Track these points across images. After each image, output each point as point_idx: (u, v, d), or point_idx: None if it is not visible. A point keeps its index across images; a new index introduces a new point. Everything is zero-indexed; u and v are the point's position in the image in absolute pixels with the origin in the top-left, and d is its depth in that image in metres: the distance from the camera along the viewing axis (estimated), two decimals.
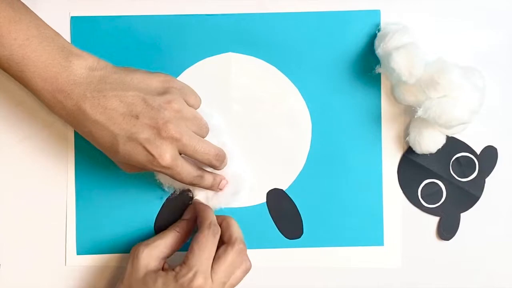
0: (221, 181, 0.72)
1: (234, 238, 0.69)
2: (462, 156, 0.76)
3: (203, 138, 0.68)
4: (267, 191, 0.76)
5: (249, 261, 0.70)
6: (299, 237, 0.76)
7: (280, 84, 0.75)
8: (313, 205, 0.76)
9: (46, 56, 0.64)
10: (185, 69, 0.74)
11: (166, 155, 0.64)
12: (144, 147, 0.64)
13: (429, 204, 0.76)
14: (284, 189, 0.76)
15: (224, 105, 0.75)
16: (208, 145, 0.68)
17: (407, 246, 0.76)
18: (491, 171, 0.77)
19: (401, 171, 0.76)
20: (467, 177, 0.76)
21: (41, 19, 0.66)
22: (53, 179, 0.75)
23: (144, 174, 0.74)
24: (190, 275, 0.65)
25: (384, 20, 0.75)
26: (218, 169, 0.70)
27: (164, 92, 0.66)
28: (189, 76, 0.74)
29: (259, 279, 0.75)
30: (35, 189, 0.75)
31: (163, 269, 0.69)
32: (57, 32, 0.66)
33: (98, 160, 0.74)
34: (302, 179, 0.76)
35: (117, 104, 0.64)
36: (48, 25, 0.66)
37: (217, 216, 0.72)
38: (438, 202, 0.76)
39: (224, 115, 0.75)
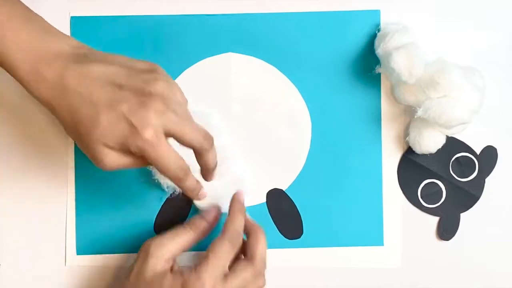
0: (201, 189, 0.68)
1: (259, 258, 0.67)
2: (462, 156, 0.76)
3: None
4: (267, 191, 0.76)
5: (264, 280, 0.68)
6: (299, 237, 0.76)
7: (280, 84, 0.75)
8: (313, 205, 0.76)
9: (28, 34, 0.61)
10: (185, 69, 0.74)
11: (149, 127, 0.58)
12: (126, 118, 0.58)
13: (429, 204, 0.76)
14: (284, 189, 0.76)
15: (224, 105, 0.75)
16: (197, 125, 0.62)
17: (407, 246, 0.76)
18: (491, 171, 0.77)
19: (401, 171, 0.76)
20: (467, 177, 0.76)
21: (25, 4, 0.63)
22: (53, 179, 0.75)
23: (144, 174, 0.74)
24: (198, 285, 0.63)
25: (384, 20, 0.75)
26: (207, 156, 0.64)
27: (150, 72, 0.62)
28: (189, 76, 0.74)
29: None
30: (35, 189, 0.75)
31: (171, 269, 0.67)
32: (42, 17, 0.63)
33: None
34: (302, 179, 0.76)
35: (101, 74, 0.60)
36: (32, 11, 0.63)
37: (247, 223, 0.69)
38: (438, 202, 0.76)
39: (224, 115, 0.75)
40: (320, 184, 0.76)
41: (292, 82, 0.75)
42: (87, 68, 0.60)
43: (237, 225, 0.67)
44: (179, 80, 0.74)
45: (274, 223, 0.76)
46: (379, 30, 0.74)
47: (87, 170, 0.75)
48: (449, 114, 0.69)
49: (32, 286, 0.75)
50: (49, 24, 0.63)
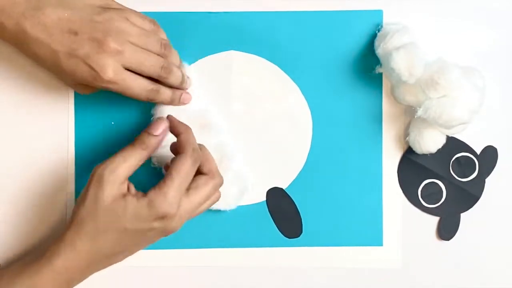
0: (181, 94, 0.71)
1: (215, 171, 0.69)
2: (462, 156, 0.76)
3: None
4: (267, 189, 0.76)
5: (219, 192, 0.70)
6: (298, 236, 0.76)
7: (281, 83, 0.75)
8: (313, 204, 0.76)
9: None
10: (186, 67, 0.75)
11: (108, 68, 0.64)
12: (86, 63, 0.64)
13: (429, 204, 0.76)
14: (284, 188, 0.76)
15: (225, 103, 0.75)
16: (154, 57, 0.67)
17: (407, 246, 0.76)
18: (491, 171, 0.77)
19: (401, 171, 0.76)
20: (467, 177, 0.76)
21: None
22: (53, 177, 0.75)
23: (143, 171, 0.74)
24: (165, 204, 0.64)
25: (384, 20, 0.75)
26: (167, 81, 0.68)
27: (103, 11, 0.66)
28: (190, 74, 0.74)
29: (257, 278, 0.75)
30: (34, 187, 0.75)
31: (128, 190, 0.66)
32: None
33: (98, 156, 0.74)
34: (302, 178, 0.76)
35: (56, 21, 0.64)
36: None
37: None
38: (438, 202, 0.76)
39: (225, 114, 0.75)
40: (320, 184, 0.76)
41: (294, 81, 0.75)
42: (43, 15, 0.64)
43: (192, 141, 0.67)
44: None
45: (274, 221, 0.76)
46: (379, 30, 0.74)
47: (87, 167, 0.74)
48: (449, 114, 0.69)
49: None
50: None
